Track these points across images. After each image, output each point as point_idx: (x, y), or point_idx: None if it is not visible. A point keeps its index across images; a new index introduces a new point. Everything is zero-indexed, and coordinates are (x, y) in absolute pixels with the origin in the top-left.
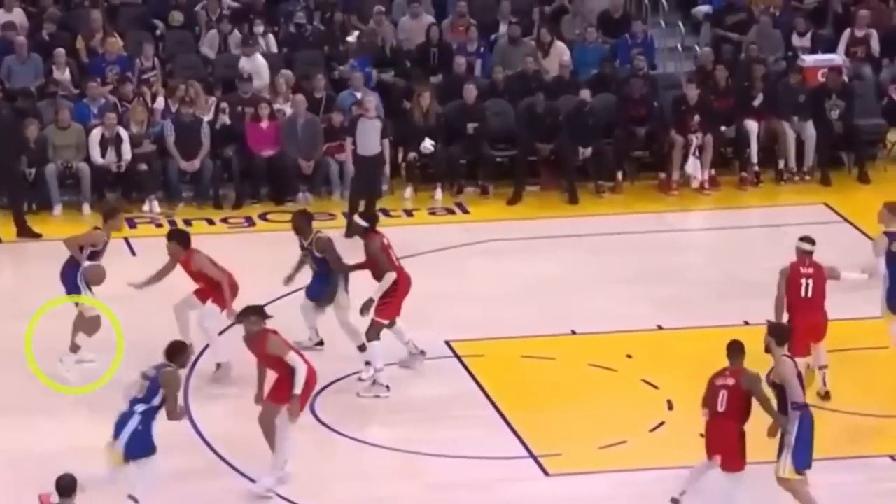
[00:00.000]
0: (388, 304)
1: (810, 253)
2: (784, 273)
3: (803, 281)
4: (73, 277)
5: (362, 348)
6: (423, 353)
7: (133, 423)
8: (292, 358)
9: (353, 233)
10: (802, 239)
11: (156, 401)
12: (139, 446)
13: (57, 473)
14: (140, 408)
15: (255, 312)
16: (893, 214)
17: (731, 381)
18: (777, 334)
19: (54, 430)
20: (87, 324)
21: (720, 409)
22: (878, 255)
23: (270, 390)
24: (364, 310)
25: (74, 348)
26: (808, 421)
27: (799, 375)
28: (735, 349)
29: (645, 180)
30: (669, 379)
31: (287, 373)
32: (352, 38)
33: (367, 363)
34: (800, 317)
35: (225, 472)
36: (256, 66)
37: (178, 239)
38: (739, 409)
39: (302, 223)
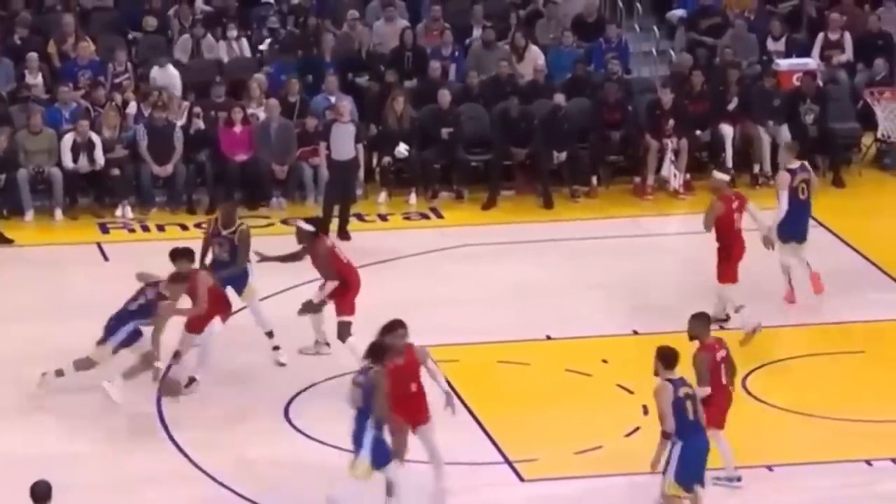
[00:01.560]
0: (345, 302)
1: (727, 182)
2: (717, 209)
3: (736, 215)
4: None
5: (270, 335)
6: (328, 344)
7: (370, 433)
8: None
9: (301, 240)
10: (719, 169)
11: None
12: (383, 454)
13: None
14: (371, 420)
15: (402, 325)
16: (790, 152)
17: (724, 353)
18: (664, 358)
19: (29, 435)
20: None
21: (724, 381)
22: (782, 190)
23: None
24: (303, 311)
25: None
26: (689, 448)
27: (679, 400)
28: (704, 319)
29: (620, 185)
30: (645, 384)
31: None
32: (263, 47)
33: (276, 348)
34: (738, 246)
35: (197, 478)
36: (168, 76)
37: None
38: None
39: (234, 213)
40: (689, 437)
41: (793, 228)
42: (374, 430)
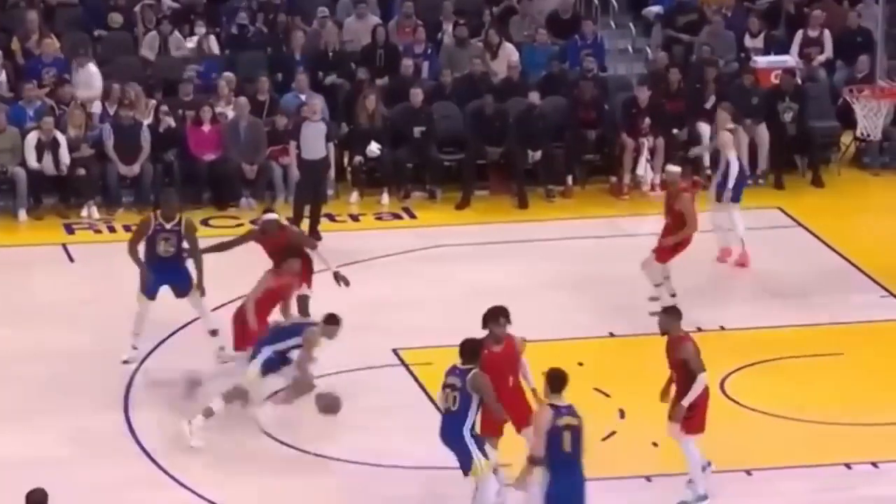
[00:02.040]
0: (308, 279)
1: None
2: (688, 199)
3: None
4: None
5: (214, 333)
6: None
7: (468, 436)
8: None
9: (269, 230)
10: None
11: (472, 410)
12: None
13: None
14: (468, 423)
15: (504, 314)
16: (728, 113)
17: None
18: (550, 381)
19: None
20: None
21: None
22: (730, 150)
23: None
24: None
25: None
26: (559, 484)
27: (556, 429)
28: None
29: (596, 184)
30: (621, 387)
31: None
32: (191, 44)
33: (222, 348)
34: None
35: (164, 484)
36: (88, 76)
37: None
38: None
39: (175, 205)
40: (560, 472)
41: (737, 189)
42: (471, 433)
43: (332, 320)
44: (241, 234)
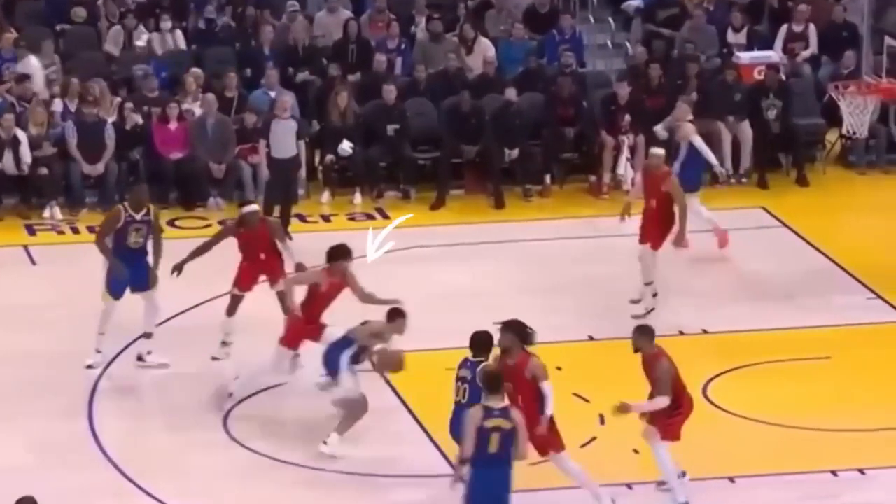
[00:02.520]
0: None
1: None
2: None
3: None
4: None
5: (149, 336)
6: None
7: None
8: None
9: (250, 222)
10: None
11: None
12: None
13: None
14: None
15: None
16: (689, 105)
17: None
18: (485, 381)
19: None
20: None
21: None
22: (693, 137)
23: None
24: (175, 270)
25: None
26: (479, 482)
27: (484, 430)
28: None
29: (574, 183)
30: (601, 392)
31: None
32: (142, 42)
33: (149, 353)
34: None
35: (129, 492)
36: (29, 67)
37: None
38: None
39: (143, 196)
40: (481, 473)
41: (694, 177)
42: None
43: (396, 315)
44: (217, 233)
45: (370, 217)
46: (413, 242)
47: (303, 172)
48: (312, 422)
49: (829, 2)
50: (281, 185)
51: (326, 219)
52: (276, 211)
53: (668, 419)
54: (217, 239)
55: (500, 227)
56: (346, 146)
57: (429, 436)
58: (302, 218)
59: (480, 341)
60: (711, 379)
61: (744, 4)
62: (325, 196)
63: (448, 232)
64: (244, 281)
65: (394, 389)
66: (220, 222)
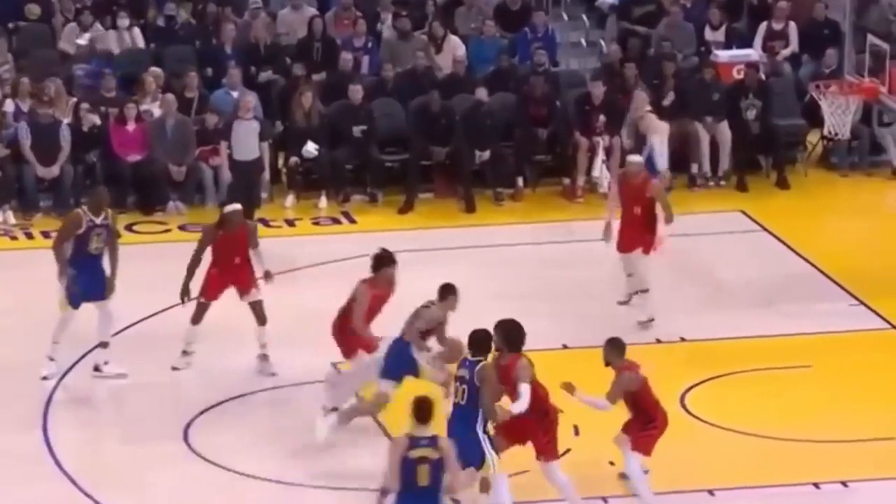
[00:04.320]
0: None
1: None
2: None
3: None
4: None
5: (105, 345)
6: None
7: (480, 433)
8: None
9: (234, 222)
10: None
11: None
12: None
13: None
14: (479, 417)
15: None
16: (647, 95)
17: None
18: (413, 411)
19: None
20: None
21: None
22: (656, 133)
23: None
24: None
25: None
26: None
27: (408, 461)
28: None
29: (548, 186)
30: (576, 403)
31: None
32: (82, 41)
33: (106, 363)
34: None
35: None
36: None
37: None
38: None
39: (102, 199)
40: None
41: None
42: (482, 429)
43: (447, 292)
44: (200, 240)
45: (336, 221)
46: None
47: (266, 175)
48: (275, 433)
49: None
50: (243, 189)
51: (291, 223)
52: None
53: (641, 432)
54: (203, 245)
55: (470, 232)
56: (310, 148)
57: None
58: (265, 222)
59: (478, 340)
60: (689, 388)
61: (722, 1)
62: (290, 200)
63: (417, 237)
64: (212, 289)
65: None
66: (181, 227)
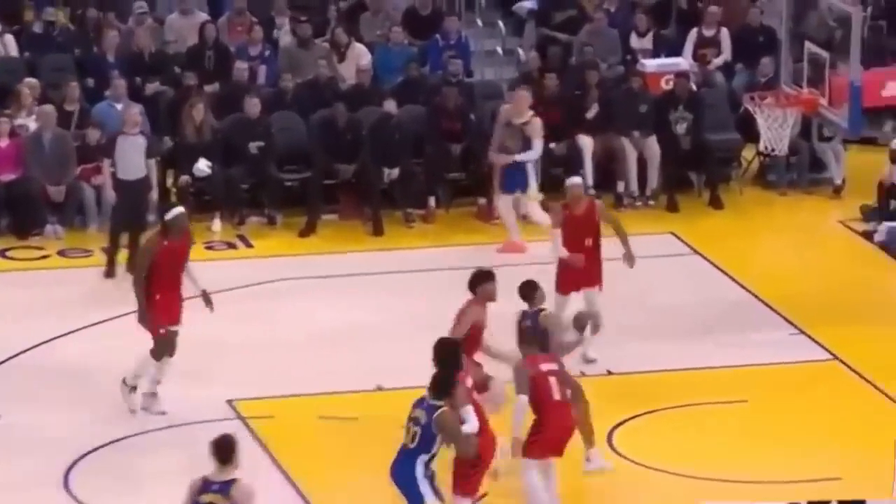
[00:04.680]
0: None
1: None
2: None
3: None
4: None
5: None
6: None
7: (419, 476)
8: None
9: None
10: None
11: (435, 447)
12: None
13: None
14: (422, 458)
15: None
16: (527, 95)
17: (555, 366)
18: (215, 451)
19: None
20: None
21: (556, 397)
22: (538, 138)
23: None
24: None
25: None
26: None
27: None
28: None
29: (462, 207)
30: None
31: None
32: None
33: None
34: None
35: None
36: None
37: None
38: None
39: None
40: None
41: (521, 178)
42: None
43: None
44: (141, 254)
45: (231, 246)
46: (280, 274)
47: (154, 196)
48: (168, 475)
49: (744, 3)
50: (129, 210)
51: None
52: (124, 239)
53: (533, 436)
54: (146, 260)
55: (378, 257)
56: (202, 166)
57: (299, 491)
58: None
59: (439, 381)
60: (617, 426)
61: (649, 6)
62: None
63: (320, 262)
64: (174, 313)
65: (259, 440)
66: (60, 253)
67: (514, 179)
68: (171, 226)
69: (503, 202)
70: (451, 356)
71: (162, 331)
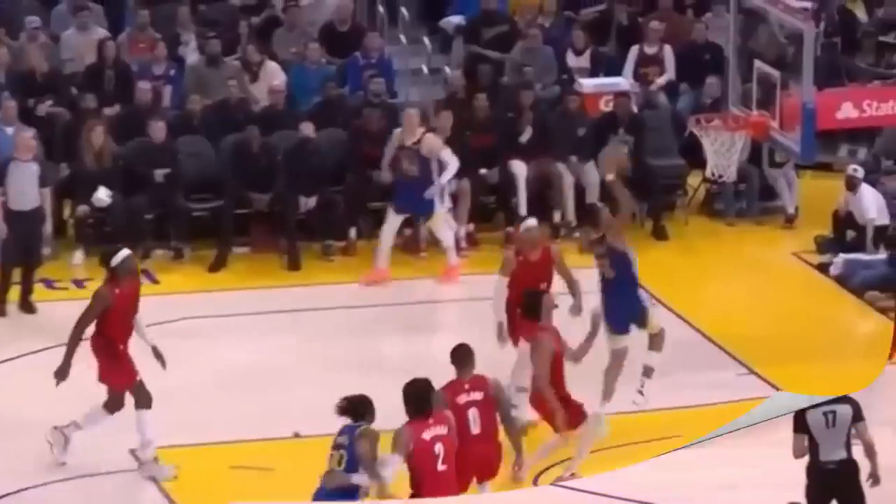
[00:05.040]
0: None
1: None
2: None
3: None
4: None
5: None
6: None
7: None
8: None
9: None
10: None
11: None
12: None
13: None
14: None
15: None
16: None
17: (479, 395)
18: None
19: None
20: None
21: (475, 430)
22: (441, 150)
23: None
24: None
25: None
26: None
27: None
28: (463, 353)
29: None
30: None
31: None
32: None
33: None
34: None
35: None
36: None
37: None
38: (495, 426)
39: None
40: None
41: (418, 199)
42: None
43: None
44: (89, 307)
45: None
46: (187, 312)
47: (48, 227)
48: None
49: (689, 19)
50: (21, 244)
51: (80, 284)
52: (16, 275)
53: None
54: (92, 316)
55: (295, 293)
56: (102, 195)
57: None
58: (49, 283)
59: (357, 405)
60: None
61: (587, 22)
62: (78, 256)
63: (231, 299)
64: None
65: (165, 493)
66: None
67: (410, 200)
68: (120, 271)
69: (390, 222)
70: (419, 399)
71: (138, 378)
